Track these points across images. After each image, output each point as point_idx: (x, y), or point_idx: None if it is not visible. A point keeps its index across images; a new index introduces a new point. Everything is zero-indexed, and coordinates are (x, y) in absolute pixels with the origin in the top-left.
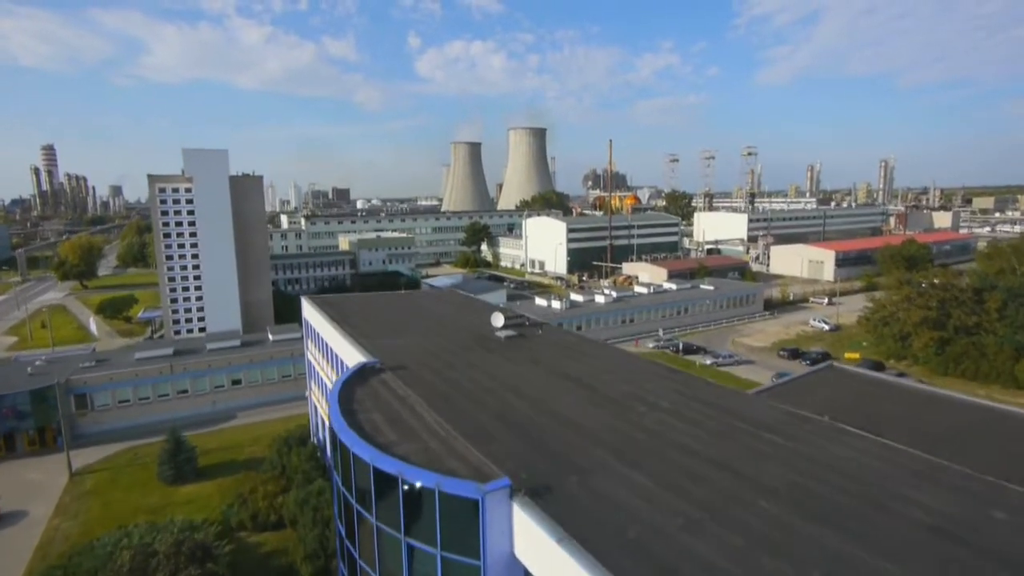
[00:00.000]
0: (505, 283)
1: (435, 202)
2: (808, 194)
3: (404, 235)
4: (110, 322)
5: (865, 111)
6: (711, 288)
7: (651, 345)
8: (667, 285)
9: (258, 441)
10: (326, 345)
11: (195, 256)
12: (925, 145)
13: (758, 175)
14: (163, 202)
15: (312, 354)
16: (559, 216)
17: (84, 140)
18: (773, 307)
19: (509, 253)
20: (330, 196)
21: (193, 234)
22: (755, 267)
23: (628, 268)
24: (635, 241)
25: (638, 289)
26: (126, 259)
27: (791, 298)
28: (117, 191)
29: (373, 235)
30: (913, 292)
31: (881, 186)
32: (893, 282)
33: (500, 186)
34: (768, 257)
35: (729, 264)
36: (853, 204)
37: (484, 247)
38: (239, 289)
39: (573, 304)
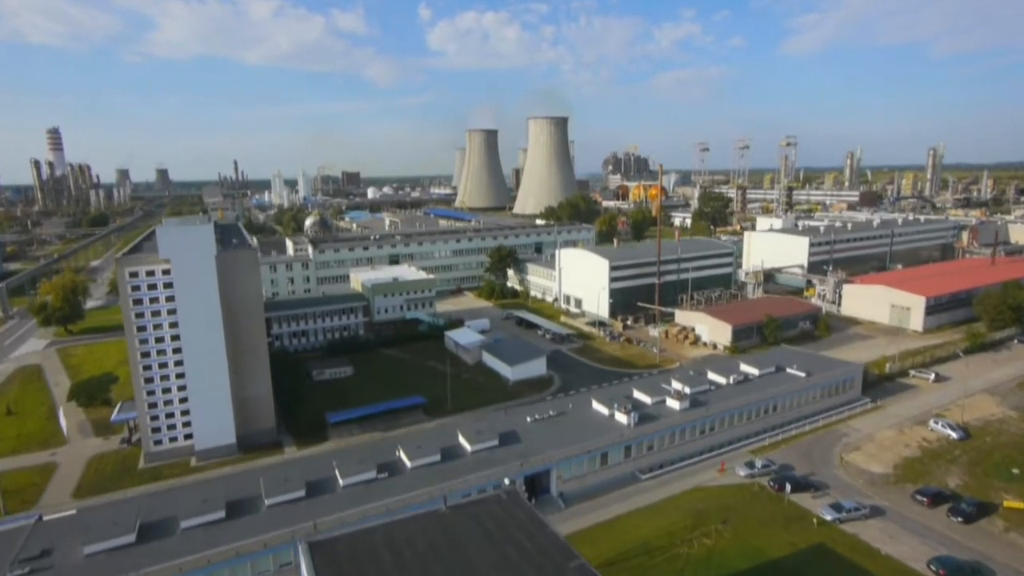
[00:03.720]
0: (541, 332)
1: (449, 191)
2: (847, 183)
3: (424, 277)
4: (85, 410)
5: (897, 83)
6: (802, 375)
7: (742, 473)
8: (745, 368)
9: None
10: None
11: (176, 351)
12: (963, 119)
13: (792, 161)
14: (135, 288)
15: None
16: (594, 244)
17: (91, 119)
18: (868, 385)
19: (539, 283)
20: (340, 180)
21: (173, 324)
22: (824, 306)
23: (682, 317)
24: (689, 275)
25: (712, 376)
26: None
27: (888, 371)
28: (124, 175)
29: (388, 278)
30: None
31: (929, 176)
32: None
33: (516, 171)
34: (840, 296)
35: (800, 313)
36: (896, 194)
37: (510, 272)
38: (231, 385)
39: (643, 417)
